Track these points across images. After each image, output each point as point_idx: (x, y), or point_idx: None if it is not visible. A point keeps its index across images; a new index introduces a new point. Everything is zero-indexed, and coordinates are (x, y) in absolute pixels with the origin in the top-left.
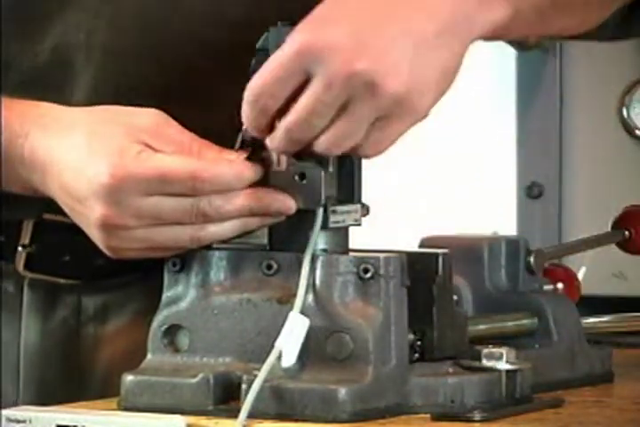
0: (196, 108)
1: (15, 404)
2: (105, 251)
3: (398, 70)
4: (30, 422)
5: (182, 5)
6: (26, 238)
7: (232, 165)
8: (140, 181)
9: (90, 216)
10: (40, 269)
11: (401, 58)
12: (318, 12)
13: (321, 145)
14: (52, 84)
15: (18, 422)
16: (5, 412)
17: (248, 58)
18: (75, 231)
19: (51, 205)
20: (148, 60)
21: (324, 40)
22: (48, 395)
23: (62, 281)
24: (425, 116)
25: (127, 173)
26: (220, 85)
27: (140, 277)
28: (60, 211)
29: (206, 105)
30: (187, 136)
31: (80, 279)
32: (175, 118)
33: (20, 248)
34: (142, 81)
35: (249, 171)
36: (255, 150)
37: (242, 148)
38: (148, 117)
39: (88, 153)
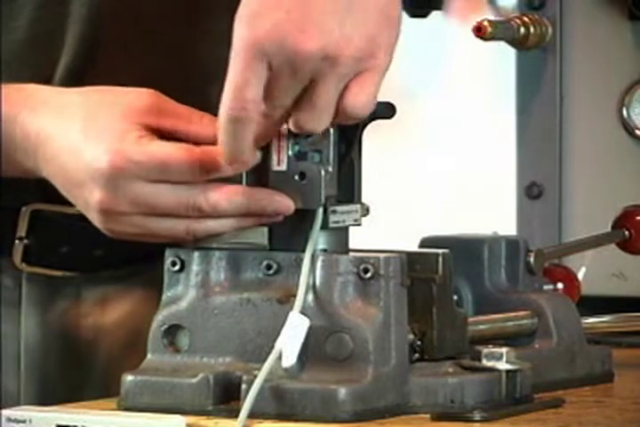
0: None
1: (17, 397)
2: (103, 232)
3: (344, 36)
4: (30, 422)
5: None
6: (22, 230)
7: None
8: (139, 168)
9: (88, 200)
10: (38, 262)
11: (340, 23)
12: (246, 4)
13: (306, 125)
14: (31, 60)
15: (18, 422)
16: (5, 412)
17: None
18: (72, 222)
19: (47, 194)
20: (129, 28)
21: (266, 30)
22: (49, 387)
23: (60, 274)
24: (387, 58)
25: (126, 160)
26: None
27: (139, 268)
28: (56, 200)
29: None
30: (184, 109)
31: (78, 271)
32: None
33: (17, 241)
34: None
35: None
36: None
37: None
38: (143, 96)
39: (85, 137)
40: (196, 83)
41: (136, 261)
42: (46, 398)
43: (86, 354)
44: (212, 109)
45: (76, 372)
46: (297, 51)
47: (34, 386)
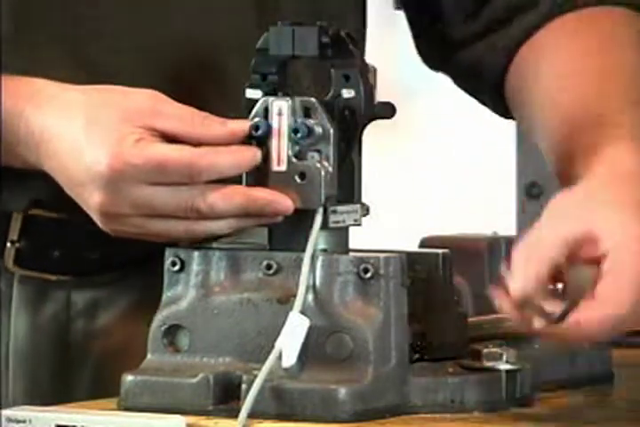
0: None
1: (5, 399)
2: (105, 230)
3: None
4: (30, 422)
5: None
6: (14, 234)
7: (230, 153)
8: (137, 171)
9: (88, 201)
10: (30, 266)
11: None
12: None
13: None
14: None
15: (18, 422)
16: (5, 412)
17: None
18: (64, 226)
19: (39, 199)
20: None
21: None
22: (37, 390)
23: (53, 278)
24: None
25: (125, 164)
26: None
27: (131, 272)
28: (48, 206)
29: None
30: (186, 110)
31: (70, 275)
32: None
33: (8, 244)
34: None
35: (247, 159)
36: (259, 144)
37: (249, 142)
38: (144, 98)
39: (86, 140)
40: (210, 58)
41: (128, 266)
42: (34, 400)
43: (75, 358)
44: (226, 83)
45: (64, 375)
46: None
47: (22, 388)
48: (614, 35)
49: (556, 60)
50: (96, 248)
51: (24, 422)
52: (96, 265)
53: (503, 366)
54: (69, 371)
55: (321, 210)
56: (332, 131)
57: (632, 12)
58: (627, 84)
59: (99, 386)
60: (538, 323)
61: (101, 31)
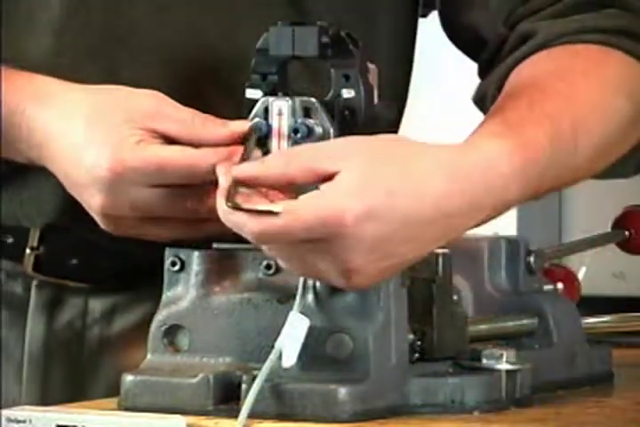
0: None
1: (18, 404)
2: (106, 230)
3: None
4: (30, 422)
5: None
6: (34, 241)
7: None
8: (137, 173)
9: (89, 203)
10: (48, 272)
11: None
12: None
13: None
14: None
15: (18, 422)
16: (5, 412)
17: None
18: (82, 236)
19: (58, 213)
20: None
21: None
22: (50, 396)
23: (71, 284)
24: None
25: (124, 167)
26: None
27: (147, 280)
28: (67, 218)
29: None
30: (187, 113)
31: (87, 282)
32: None
33: (28, 250)
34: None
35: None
36: (260, 144)
37: (247, 142)
38: (146, 99)
39: (86, 142)
40: (217, 67)
41: (144, 275)
42: (46, 405)
43: (89, 364)
44: (236, 95)
45: (77, 381)
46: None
47: (35, 393)
48: (596, 67)
49: (523, 72)
50: (112, 258)
51: (24, 422)
52: (112, 274)
53: (503, 366)
54: (82, 377)
55: None
56: (331, 131)
57: (628, 58)
58: (566, 112)
59: (111, 394)
60: (226, 204)
61: (123, 33)
